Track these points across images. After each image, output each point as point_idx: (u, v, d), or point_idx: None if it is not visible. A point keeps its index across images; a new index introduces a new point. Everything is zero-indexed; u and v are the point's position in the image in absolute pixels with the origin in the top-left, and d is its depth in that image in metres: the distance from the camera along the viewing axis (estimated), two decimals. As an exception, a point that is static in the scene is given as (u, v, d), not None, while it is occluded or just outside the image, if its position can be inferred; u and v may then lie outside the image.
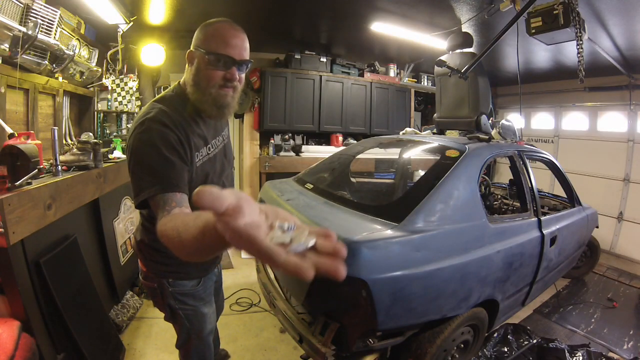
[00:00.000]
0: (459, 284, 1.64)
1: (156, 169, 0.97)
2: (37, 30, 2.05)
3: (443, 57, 2.77)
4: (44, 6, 2.14)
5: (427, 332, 1.69)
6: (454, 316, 1.71)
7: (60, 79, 2.72)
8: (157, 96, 1.15)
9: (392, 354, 1.69)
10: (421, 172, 2.97)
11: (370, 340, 1.53)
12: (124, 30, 3.19)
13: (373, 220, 1.60)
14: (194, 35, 1.12)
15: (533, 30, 2.21)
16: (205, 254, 0.59)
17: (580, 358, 2.13)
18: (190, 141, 1.07)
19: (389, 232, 1.49)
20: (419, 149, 2.50)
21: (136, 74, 3.74)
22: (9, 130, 1.83)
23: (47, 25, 2.18)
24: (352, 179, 2.83)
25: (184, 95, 1.13)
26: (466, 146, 1.98)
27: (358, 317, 1.47)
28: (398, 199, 2.18)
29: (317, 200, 1.99)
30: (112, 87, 3.49)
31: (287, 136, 4.44)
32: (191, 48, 1.09)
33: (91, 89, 3.39)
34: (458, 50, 2.77)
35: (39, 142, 1.71)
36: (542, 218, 2.22)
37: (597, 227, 3.23)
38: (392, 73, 5.01)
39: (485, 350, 2.14)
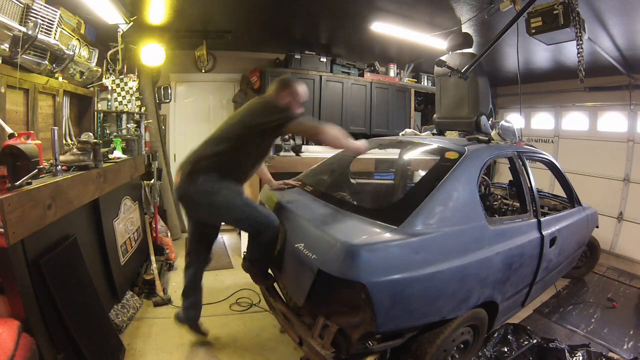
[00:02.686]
0: (458, 286, 1.64)
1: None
2: (37, 30, 2.05)
3: (443, 58, 2.77)
4: (44, 6, 2.14)
5: (427, 333, 1.69)
6: (453, 318, 1.71)
7: (60, 79, 2.73)
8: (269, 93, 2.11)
9: (391, 354, 1.69)
10: (420, 174, 2.97)
11: (369, 342, 1.53)
12: (124, 30, 3.19)
13: (372, 224, 1.60)
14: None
15: (533, 30, 2.21)
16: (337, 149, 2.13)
17: (580, 358, 2.13)
18: None
19: (387, 235, 1.49)
20: (419, 150, 2.50)
21: (136, 74, 3.74)
22: (9, 130, 1.83)
23: (47, 25, 2.18)
24: (352, 181, 2.83)
25: None
26: (465, 148, 1.98)
27: (357, 319, 1.48)
28: (397, 202, 2.18)
29: (316, 202, 1.99)
30: (112, 87, 3.49)
31: (287, 136, 4.44)
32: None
33: (91, 89, 3.39)
34: (458, 51, 2.77)
35: (39, 142, 1.72)
36: (542, 219, 2.22)
37: (597, 227, 3.23)
38: (392, 73, 5.00)
39: (485, 350, 2.14)
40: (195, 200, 1.88)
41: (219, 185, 1.84)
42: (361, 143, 2.13)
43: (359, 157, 2.85)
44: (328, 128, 1.90)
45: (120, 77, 3.53)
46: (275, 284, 2.11)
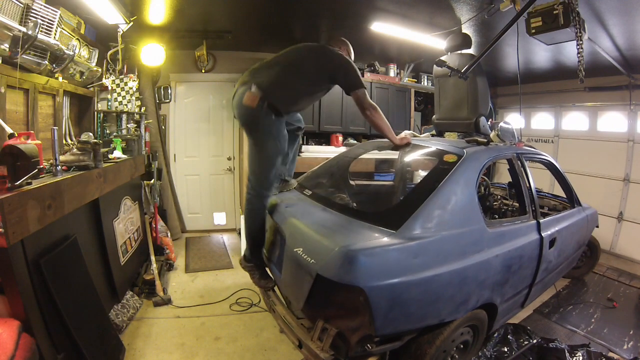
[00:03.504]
0: (457, 289, 1.64)
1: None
2: (37, 30, 2.05)
3: (442, 58, 2.77)
4: (44, 6, 2.14)
5: (426, 335, 1.69)
6: (452, 320, 1.71)
7: (60, 79, 2.73)
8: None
9: (390, 356, 1.69)
10: (419, 178, 2.96)
11: (368, 345, 1.52)
12: (124, 30, 3.19)
13: (370, 228, 1.60)
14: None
15: (533, 30, 2.20)
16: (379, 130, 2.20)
17: (580, 358, 2.13)
18: None
19: (386, 240, 1.49)
20: (417, 153, 2.49)
21: (136, 74, 3.74)
22: (9, 130, 1.83)
23: (47, 25, 2.19)
24: (351, 183, 2.83)
25: None
26: (464, 150, 1.96)
27: (356, 323, 1.47)
28: (395, 206, 2.17)
29: (315, 206, 1.98)
30: (112, 87, 3.49)
31: (287, 136, 4.44)
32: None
33: (91, 89, 3.40)
34: (457, 51, 2.76)
35: (39, 142, 1.72)
36: (541, 220, 2.21)
37: (597, 227, 3.23)
38: (392, 73, 5.00)
39: (485, 350, 2.14)
40: (255, 128, 1.98)
41: (282, 137, 2.01)
42: (403, 136, 2.33)
43: (359, 157, 2.85)
44: (381, 113, 2.13)
45: (120, 77, 3.54)
46: (276, 287, 2.11)
